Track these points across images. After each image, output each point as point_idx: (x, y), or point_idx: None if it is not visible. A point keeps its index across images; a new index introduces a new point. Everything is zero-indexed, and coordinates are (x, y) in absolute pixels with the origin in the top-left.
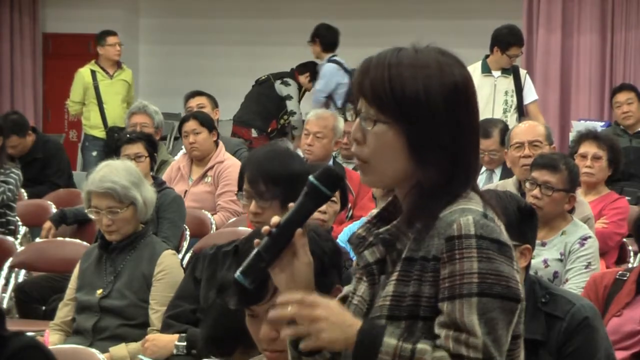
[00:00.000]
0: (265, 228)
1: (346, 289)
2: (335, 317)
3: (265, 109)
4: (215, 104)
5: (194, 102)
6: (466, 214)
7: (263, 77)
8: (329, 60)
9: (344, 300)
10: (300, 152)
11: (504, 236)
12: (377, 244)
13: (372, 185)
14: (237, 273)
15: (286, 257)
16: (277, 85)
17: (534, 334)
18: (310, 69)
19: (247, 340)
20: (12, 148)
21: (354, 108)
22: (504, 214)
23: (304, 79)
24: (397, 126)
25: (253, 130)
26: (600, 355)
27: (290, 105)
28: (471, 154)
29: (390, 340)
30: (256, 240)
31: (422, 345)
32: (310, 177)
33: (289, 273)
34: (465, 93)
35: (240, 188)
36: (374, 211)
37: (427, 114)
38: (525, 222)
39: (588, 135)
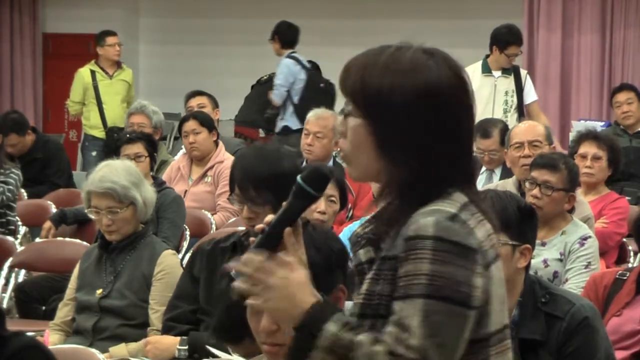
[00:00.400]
0: (259, 226)
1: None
2: (288, 291)
3: (266, 109)
4: (215, 104)
5: (195, 102)
6: (431, 215)
7: (264, 77)
8: (287, 56)
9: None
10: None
11: (471, 239)
12: (368, 243)
13: (352, 177)
14: (233, 271)
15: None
16: None
17: (534, 334)
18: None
19: None
20: (12, 147)
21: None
22: (504, 214)
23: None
24: (367, 122)
25: (260, 130)
26: (600, 355)
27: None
28: (445, 156)
29: (331, 327)
30: (251, 238)
31: (362, 337)
32: (298, 178)
33: None
34: (437, 95)
35: (231, 190)
36: None
37: (392, 112)
38: (525, 222)
39: (588, 136)
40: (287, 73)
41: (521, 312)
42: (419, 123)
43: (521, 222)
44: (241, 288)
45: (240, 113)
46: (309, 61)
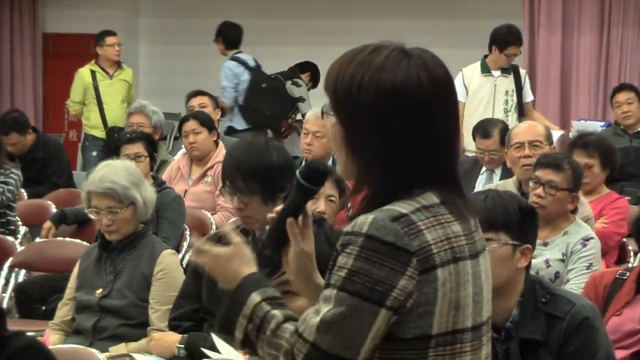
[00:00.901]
0: (270, 215)
1: None
2: (221, 269)
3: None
4: (216, 104)
5: (196, 102)
6: (373, 214)
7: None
8: (231, 58)
9: None
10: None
11: (410, 242)
12: None
13: (339, 174)
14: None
15: (288, 245)
16: (289, 85)
17: (534, 334)
18: (310, 69)
19: None
20: (12, 146)
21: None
22: (505, 213)
23: (305, 77)
24: (338, 120)
25: (268, 131)
26: (600, 356)
27: (304, 108)
28: (410, 158)
29: (255, 297)
30: (267, 227)
31: (276, 312)
32: (297, 173)
33: (285, 261)
34: (402, 96)
35: (223, 183)
36: None
37: (358, 110)
38: (525, 222)
39: (576, 144)
40: (230, 75)
41: (521, 312)
42: (382, 123)
43: (522, 222)
44: (195, 260)
45: None
46: (255, 60)
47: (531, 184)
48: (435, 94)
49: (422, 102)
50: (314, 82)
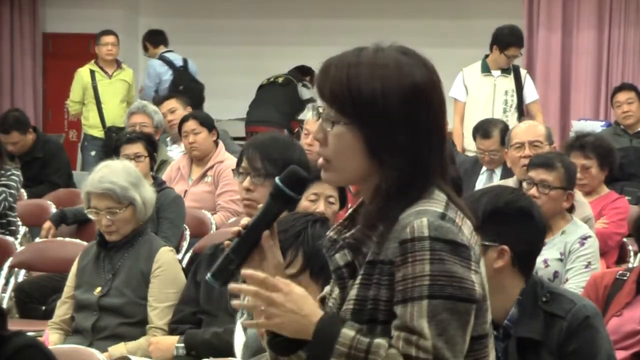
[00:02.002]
0: (235, 229)
1: (325, 290)
2: (292, 305)
3: (289, 111)
4: (186, 104)
5: (166, 107)
6: (421, 216)
7: (281, 79)
8: (158, 57)
9: (323, 300)
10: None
11: (462, 236)
12: (346, 247)
13: (331, 183)
14: (208, 275)
15: (255, 258)
16: (300, 87)
17: (532, 333)
18: (311, 73)
19: None
20: (13, 145)
21: (316, 108)
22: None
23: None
24: (355, 127)
25: (285, 132)
26: (601, 356)
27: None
28: (432, 156)
29: (348, 332)
30: (226, 242)
31: (379, 340)
32: (276, 179)
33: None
34: (425, 94)
35: (238, 164)
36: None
37: (384, 115)
38: (502, 222)
39: (573, 146)
40: (152, 74)
41: (520, 310)
42: (409, 124)
43: (494, 222)
44: (248, 306)
45: (256, 112)
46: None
47: (525, 185)
48: (436, 88)
49: (432, 99)
50: (312, 85)
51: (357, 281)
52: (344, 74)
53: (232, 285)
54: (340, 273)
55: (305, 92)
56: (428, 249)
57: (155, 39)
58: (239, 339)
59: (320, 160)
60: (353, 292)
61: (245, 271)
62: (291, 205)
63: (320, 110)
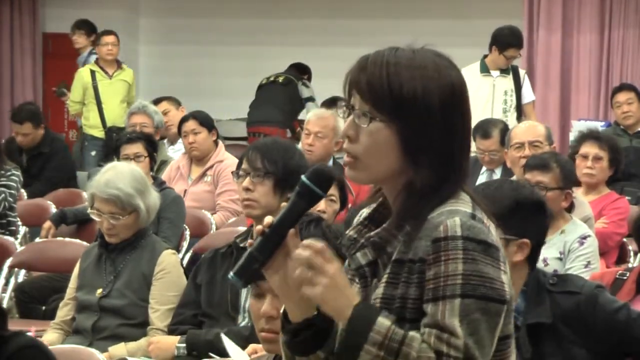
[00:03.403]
0: (258, 228)
1: None
2: (340, 280)
3: (291, 110)
4: (178, 104)
5: (160, 109)
6: (453, 216)
7: (282, 78)
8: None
9: None
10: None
11: (492, 237)
12: (369, 246)
13: (358, 181)
14: (231, 274)
15: (279, 257)
16: (300, 86)
17: (539, 318)
18: (308, 71)
19: None
20: (24, 136)
21: (346, 104)
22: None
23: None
24: (393, 125)
25: (288, 131)
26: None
27: (312, 107)
28: (463, 156)
29: (384, 321)
30: (249, 241)
31: (414, 333)
32: (302, 177)
33: (282, 274)
34: (460, 95)
35: (239, 165)
36: (365, 212)
37: (423, 114)
38: (523, 215)
39: (589, 136)
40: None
41: (525, 300)
42: (446, 124)
43: (516, 215)
44: (298, 274)
45: (257, 113)
46: None
47: None
48: (467, 91)
49: (464, 100)
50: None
51: (383, 280)
52: (384, 71)
53: (294, 253)
54: (362, 272)
55: (305, 91)
56: (461, 249)
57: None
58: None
59: (347, 158)
60: (379, 291)
61: (306, 240)
62: (315, 203)
63: (352, 105)
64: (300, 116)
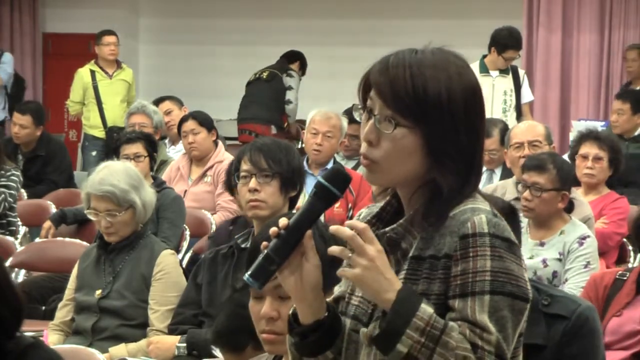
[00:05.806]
0: (274, 229)
1: (338, 290)
2: (380, 263)
3: (276, 106)
4: (181, 103)
5: (161, 110)
6: (478, 213)
7: (265, 75)
8: None
9: (337, 301)
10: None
11: (513, 235)
12: (383, 242)
13: (377, 184)
14: (246, 275)
15: (295, 259)
16: (284, 78)
17: (536, 339)
18: (299, 58)
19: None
20: (22, 128)
21: (364, 108)
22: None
23: (295, 67)
24: (417, 129)
25: (273, 127)
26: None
27: (289, 94)
28: (481, 157)
29: (427, 308)
30: (264, 243)
31: (453, 323)
32: (320, 178)
33: (297, 275)
34: (480, 97)
35: (236, 170)
36: (364, 210)
37: (448, 117)
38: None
39: (589, 136)
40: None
41: None
42: (469, 126)
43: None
44: (338, 252)
45: (250, 110)
46: None
47: (519, 187)
48: (482, 91)
49: (481, 101)
50: (302, 71)
51: (401, 276)
52: (407, 74)
53: (334, 227)
54: None
55: (288, 80)
56: (489, 245)
57: None
58: None
59: (365, 161)
60: None
61: (349, 221)
62: (332, 204)
63: (371, 108)
64: (298, 113)
